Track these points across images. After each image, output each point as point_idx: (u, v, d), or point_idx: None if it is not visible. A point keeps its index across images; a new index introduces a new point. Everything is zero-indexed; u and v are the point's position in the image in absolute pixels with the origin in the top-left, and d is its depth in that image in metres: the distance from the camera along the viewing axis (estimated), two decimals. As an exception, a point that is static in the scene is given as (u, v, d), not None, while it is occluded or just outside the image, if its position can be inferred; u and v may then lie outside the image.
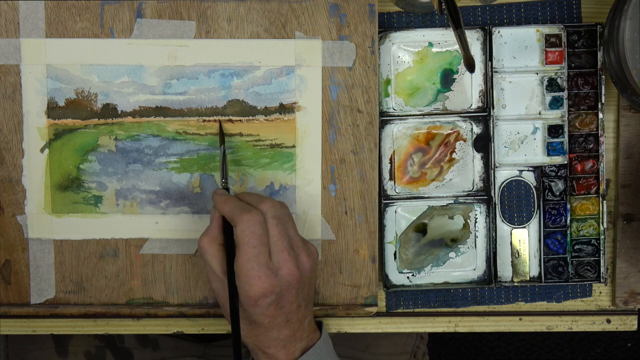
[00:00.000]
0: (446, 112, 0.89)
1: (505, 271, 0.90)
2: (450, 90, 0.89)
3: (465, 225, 0.90)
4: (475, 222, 0.90)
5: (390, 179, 0.89)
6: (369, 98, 0.87)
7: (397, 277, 0.90)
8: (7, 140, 0.87)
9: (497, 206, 0.90)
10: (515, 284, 0.90)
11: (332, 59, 0.87)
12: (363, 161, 0.88)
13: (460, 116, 0.89)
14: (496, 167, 0.90)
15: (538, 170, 0.90)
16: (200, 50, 0.87)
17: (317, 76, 0.87)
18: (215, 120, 0.87)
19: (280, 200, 0.82)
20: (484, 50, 0.89)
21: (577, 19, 0.90)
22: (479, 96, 0.89)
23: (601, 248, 0.90)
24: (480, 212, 0.90)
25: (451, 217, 0.90)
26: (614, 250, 0.91)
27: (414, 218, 0.90)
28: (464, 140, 0.89)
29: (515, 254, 0.90)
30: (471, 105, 0.89)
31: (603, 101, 0.89)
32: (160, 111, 0.87)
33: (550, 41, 0.89)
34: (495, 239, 0.90)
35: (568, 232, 0.90)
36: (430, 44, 0.89)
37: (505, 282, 0.90)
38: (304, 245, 0.81)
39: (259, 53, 0.87)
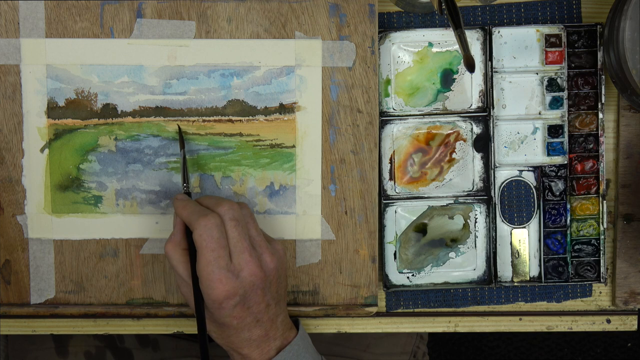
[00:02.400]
0: (446, 112, 0.89)
1: (505, 271, 0.90)
2: (450, 90, 0.89)
3: (465, 225, 0.90)
4: (475, 222, 0.90)
5: (390, 179, 0.89)
6: (369, 98, 0.87)
7: (397, 277, 0.90)
8: (7, 140, 0.87)
9: (497, 206, 0.90)
10: (515, 284, 0.90)
11: (332, 59, 0.87)
12: (363, 161, 0.88)
13: (460, 116, 0.89)
14: (496, 167, 0.90)
15: (538, 170, 0.90)
16: (200, 50, 0.87)
17: (317, 76, 0.87)
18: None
19: (242, 202, 0.83)
20: (484, 50, 0.89)
21: (577, 19, 0.90)
22: (479, 96, 0.89)
23: (601, 248, 0.90)
24: (480, 212, 0.90)
25: (451, 217, 0.90)
26: (614, 250, 0.91)
27: (414, 218, 0.90)
28: (464, 140, 0.89)
29: (515, 254, 0.90)
30: (471, 105, 0.89)
31: (603, 101, 0.89)
32: (160, 111, 0.87)
33: (550, 41, 0.89)
34: (495, 239, 0.90)
35: (568, 232, 0.90)
36: (430, 44, 0.89)
37: (505, 282, 0.90)
38: (268, 244, 0.81)
39: (259, 53, 0.87)
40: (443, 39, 0.88)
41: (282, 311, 0.83)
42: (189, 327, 0.91)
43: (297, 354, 0.82)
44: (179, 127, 0.87)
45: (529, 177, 0.90)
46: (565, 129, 0.89)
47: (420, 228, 0.90)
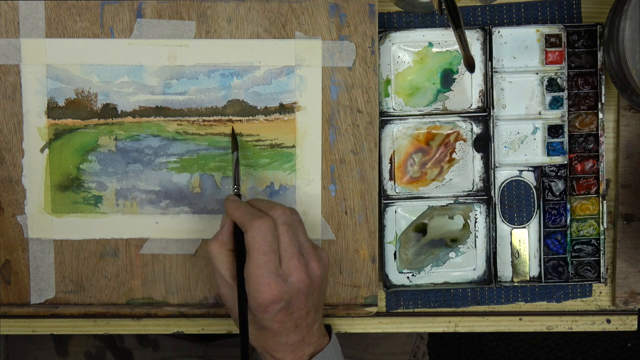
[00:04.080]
0: (446, 112, 0.89)
1: (505, 271, 0.90)
2: (450, 90, 0.89)
3: (465, 225, 0.90)
4: (475, 222, 0.90)
5: (390, 179, 0.89)
6: (369, 98, 0.87)
7: (397, 277, 0.90)
8: (7, 140, 0.87)
9: (497, 206, 0.90)
10: (515, 284, 0.90)
11: (332, 59, 0.87)
12: (363, 161, 0.88)
13: (460, 116, 0.89)
14: (496, 167, 0.90)
15: (538, 170, 0.90)
16: (200, 50, 0.87)
17: (317, 76, 0.87)
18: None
19: (292, 207, 0.82)
20: (484, 50, 0.89)
21: (577, 19, 0.90)
22: (479, 96, 0.89)
23: (601, 248, 0.90)
24: (480, 212, 0.90)
25: (451, 217, 0.90)
26: (614, 250, 0.91)
27: (414, 218, 0.90)
28: (464, 140, 0.89)
29: (515, 254, 0.90)
30: (471, 105, 0.89)
31: (603, 101, 0.89)
32: (160, 111, 0.87)
33: (550, 41, 0.89)
34: (495, 239, 0.90)
35: (568, 232, 0.90)
36: (430, 44, 0.89)
37: (505, 282, 0.90)
38: (315, 251, 0.81)
39: (259, 53, 0.87)
40: (443, 39, 0.88)
41: (319, 318, 0.83)
42: (189, 327, 0.91)
43: None
44: (232, 129, 0.87)
45: (529, 177, 0.90)
46: (565, 129, 0.89)
47: (420, 228, 0.90)
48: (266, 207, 0.80)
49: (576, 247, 0.90)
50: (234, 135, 0.86)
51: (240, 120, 0.88)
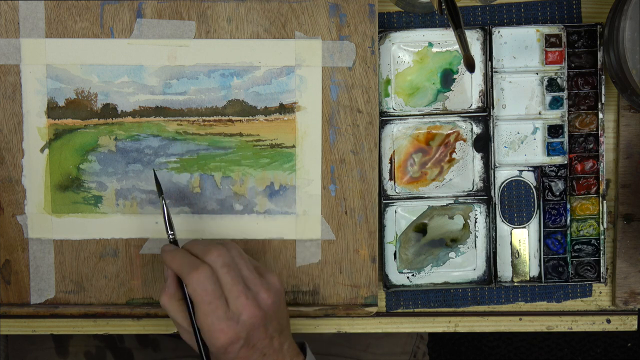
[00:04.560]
0: (446, 112, 0.89)
1: (505, 271, 0.90)
2: (450, 90, 0.89)
3: (465, 225, 0.90)
4: (475, 222, 0.90)
5: (390, 179, 0.89)
6: (369, 98, 0.87)
7: (397, 277, 0.90)
8: (7, 140, 0.87)
9: (497, 206, 0.90)
10: (515, 284, 0.90)
11: (332, 59, 0.87)
12: (363, 161, 0.88)
13: (460, 116, 0.89)
14: (496, 167, 0.90)
15: (538, 170, 0.90)
16: (200, 50, 0.87)
17: (317, 76, 0.87)
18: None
19: (228, 241, 0.82)
20: (484, 50, 0.89)
21: (577, 19, 0.90)
22: (479, 96, 0.89)
23: (601, 248, 0.90)
24: (480, 212, 0.90)
25: (451, 217, 0.90)
26: (614, 250, 0.91)
27: (414, 218, 0.90)
28: (464, 140, 0.89)
29: (515, 254, 0.90)
30: (471, 105, 0.89)
31: (603, 101, 0.89)
32: (160, 111, 0.87)
33: (550, 41, 0.89)
34: (495, 239, 0.90)
35: (568, 232, 0.90)
36: (430, 44, 0.89)
37: (505, 282, 0.90)
38: (262, 279, 0.80)
39: (259, 53, 0.87)
40: (443, 39, 0.88)
41: (287, 338, 0.82)
42: (189, 327, 0.91)
43: None
44: (154, 172, 0.86)
45: (529, 177, 0.90)
46: (565, 129, 0.89)
47: (420, 228, 0.90)
48: (202, 253, 0.79)
49: (576, 247, 0.90)
50: (157, 180, 0.85)
51: (240, 120, 0.88)
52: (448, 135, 0.89)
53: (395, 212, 0.89)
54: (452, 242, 0.90)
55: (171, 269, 0.80)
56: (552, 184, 0.90)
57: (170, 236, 0.83)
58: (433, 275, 0.90)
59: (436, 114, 0.89)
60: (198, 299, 0.78)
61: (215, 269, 0.78)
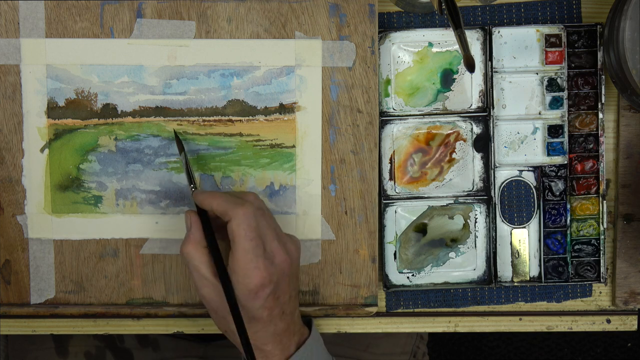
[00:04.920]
0: (446, 112, 0.89)
1: (505, 271, 0.90)
2: (450, 90, 0.89)
3: (465, 225, 0.90)
4: (475, 222, 0.90)
5: (390, 179, 0.89)
6: (369, 98, 0.87)
7: (397, 277, 0.90)
8: (7, 140, 0.87)
9: (497, 206, 0.90)
10: (515, 284, 0.90)
11: (332, 59, 0.87)
12: (363, 161, 0.88)
13: (460, 116, 0.89)
14: (496, 167, 0.90)
15: (538, 170, 0.90)
16: (200, 50, 0.87)
17: (317, 76, 0.87)
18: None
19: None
20: (484, 50, 0.89)
21: (577, 19, 0.90)
22: (479, 96, 0.89)
23: (601, 248, 0.90)
24: (480, 212, 0.90)
25: (451, 217, 0.90)
26: (614, 250, 0.91)
27: (414, 218, 0.90)
28: (464, 140, 0.89)
29: (515, 254, 0.90)
30: (471, 105, 0.89)
31: (603, 101, 0.89)
32: (160, 111, 0.87)
33: (550, 41, 0.89)
34: (495, 239, 0.90)
35: (568, 232, 0.90)
36: (430, 44, 0.89)
37: (505, 282, 0.90)
38: (286, 234, 0.82)
39: (259, 53, 0.87)
40: (443, 39, 0.88)
41: (297, 305, 0.84)
42: (189, 327, 0.91)
43: (311, 352, 0.83)
44: (175, 132, 0.86)
45: (529, 177, 0.90)
46: (565, 129, 0.89)
47: (420, 228, 0.90)
48: (239, 195, 0.80)
49: (576, 247, 0.90)
50: (177, 138, 0.86)
51: (240, 120, 0.88)
52: (448, 135, 0.89)
53: (395, 212, 0.89)
54: (452, 242, 0.90)
55: (210, 207, 0.79)
56: (552, 184, 0.90)
57: (192, 187, 0.83)
58: (433, 275, 0.90)
59: (436, 114, 0.89)
60: (242, 233, 0.77)
61: (255, 210, 0.79)
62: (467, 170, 0.89)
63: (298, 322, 0.83)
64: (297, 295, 0.83)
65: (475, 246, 0.90)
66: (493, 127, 0.89)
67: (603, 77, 0.89)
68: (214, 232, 0.80)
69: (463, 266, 0.90)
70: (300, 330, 0.83)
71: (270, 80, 0.87)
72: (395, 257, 0.90)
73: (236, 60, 0.87)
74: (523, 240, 0.90)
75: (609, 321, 0.92)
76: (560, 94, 0.89)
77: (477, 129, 0.89)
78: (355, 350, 1.12)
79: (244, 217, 0.77)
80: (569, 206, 0.90)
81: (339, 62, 0.87)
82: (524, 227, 0.90)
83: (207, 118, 0.87)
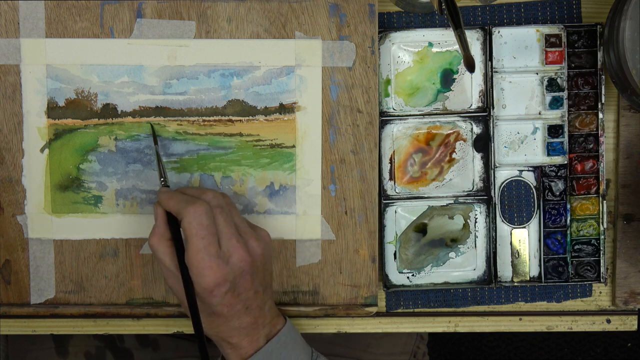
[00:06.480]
0: (446, 112, 0.89)
1: (505, 271, 0.90)
2: (450, 90, 0.89)
3: (465, 225, 0.90)
4: (475, 222, 0.90)
5: (390, 179, 0.89)
6: (369, 98, 0.87)
7: (397, 277, 0.90)
8: (7, 140, 0.87)
9: (497, 206, 0.90)
10: (515, 284, 0.90)
11: (332, 59, 0.87)
12: (363, 161, 0.88)
13: (460, 116, 0.89)
14: (496, 167, 0.90)
15: (538, 170, 0.90)
16: (200, 50, 0.87)
17: (317, 76, 0.87)
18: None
19: (223, 192, 0.83)
20: (484, 50, 0.89)
21: (577, 19, 0.90)
22: (479, 96, 0.89)
23: (601, 248, 0.90)
24: (480, 212, 0.90)
25: (451, 217, 0.90)
26: (614, 250, 0.91)
27: (414, 218, 0.90)
28: (464, 140, 0.89)
29: (515, 254, 0.90)
30: (471, 105, 0.89)
31: (603, 101, 0.89)
32: (160, 111, 0.87)
33: (550, 41, 0.89)
34: (495, 239, 0.90)
35: (568, 232, 0.90)
36: (430, 44, 0.89)
37: (505, 282, 0.90)
38: (253, 230, 0.82)
39: (259, 53, 0.87)
40: (443, 39, 0.88)
41: (269, 298, 0.83)
42: (189, 327, 0.91)
43: (285, 344, 0.82)
44: (151, 125, 0.87)
45: (529, 177, 0.90)
46: (565, 129, 0.89)
47: (420, 228, 0.90)
48: (198, 193, 0.81)
49: (576, 247, 0.90)
50: (153, 131, 0.87)
51: (240, 120, 0.88)
52: (448, 135, 0.89)
53: (395, 212, 0.89)
54: (452, 242, 0.90)
55: (167, 207, 0.80)
56: (552, 184, 0.90)
57: (162, 182, 0.84)
58: (433, 275, 0.90)
59: (436, 114, 0.89)
60: (193, 232, 0.78)
61: (212, 207, 0.79)
62: (467, 170, 0.89)
63: (269, 315, 0.83)
64: (266, 289, 0.83)
65: (475, 246, 0.90)
66: (493, 127, 0.89)
67: (603, 77, 0.89)
68: (179, 225, 0.80)
69: (463, 266, 0.90)
70: (272, 321, 0.83)
71: (270, 80, 0.87)
72: (395, 257, 0.90)
73: (236, 60, 0.87)
74: (523, 240, 0.90)
75: (609, 321, 0.92)
76: (560, 94, 0.89)
77: (477, 129, 0.89)
78: (355, 350, 1.12)
79: (194, 216, 0.78)
80: (569, 206, 0.90)
81: (339, 62, 0.87)
82: (524, 227, 0.90)
83: (207, 118, 0.87)
